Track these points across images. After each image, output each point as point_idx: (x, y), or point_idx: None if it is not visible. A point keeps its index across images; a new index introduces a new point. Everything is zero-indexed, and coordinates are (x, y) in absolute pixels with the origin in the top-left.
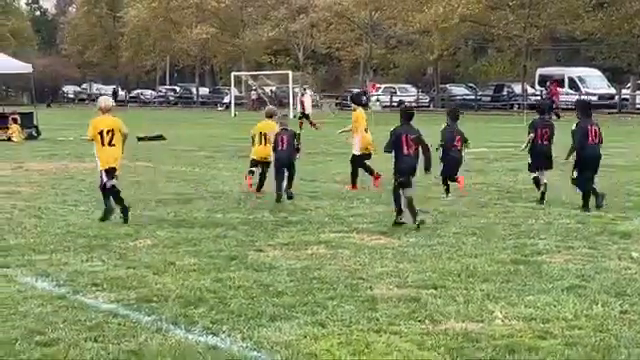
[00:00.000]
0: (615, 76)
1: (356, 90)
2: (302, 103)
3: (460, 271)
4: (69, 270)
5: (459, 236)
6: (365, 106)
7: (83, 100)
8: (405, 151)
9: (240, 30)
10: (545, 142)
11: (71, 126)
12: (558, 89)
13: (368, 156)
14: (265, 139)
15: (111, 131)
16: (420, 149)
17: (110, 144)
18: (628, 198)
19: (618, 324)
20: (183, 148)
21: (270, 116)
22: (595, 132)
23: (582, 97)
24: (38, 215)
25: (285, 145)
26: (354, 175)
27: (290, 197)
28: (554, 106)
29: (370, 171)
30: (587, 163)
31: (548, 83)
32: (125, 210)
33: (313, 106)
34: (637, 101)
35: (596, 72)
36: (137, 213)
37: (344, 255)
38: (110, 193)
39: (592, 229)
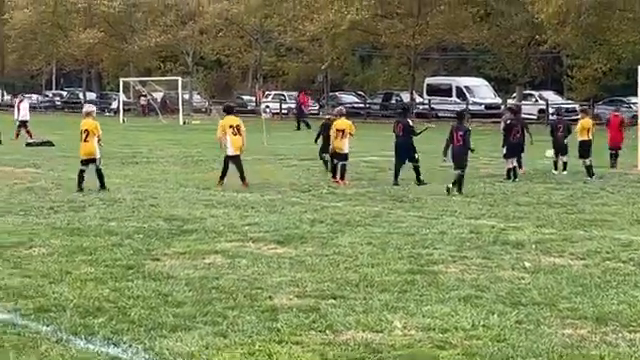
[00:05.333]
0: (501, 86)
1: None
2: (19, 110)
3: (358, 281)
4: None
5: (355, 245)
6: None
7: None
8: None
9: (128, 35)
10: None
11: None
12: (307, 99)
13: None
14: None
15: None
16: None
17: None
18: (518, 208)
19: (514, 334)
20: (72, 154)
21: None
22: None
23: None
24: None
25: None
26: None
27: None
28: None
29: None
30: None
31: (297, 93)
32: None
33: (203, 112)
34: (523, 111)
35: (483, 82)
36: (29, 221)
37: (241, 264)
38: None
39: (485, 239)
